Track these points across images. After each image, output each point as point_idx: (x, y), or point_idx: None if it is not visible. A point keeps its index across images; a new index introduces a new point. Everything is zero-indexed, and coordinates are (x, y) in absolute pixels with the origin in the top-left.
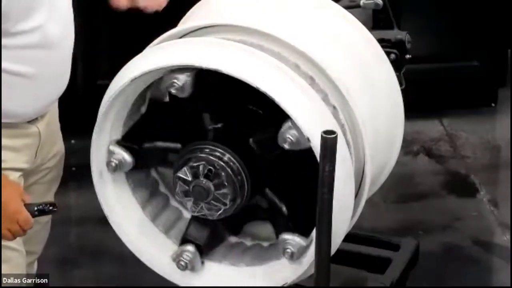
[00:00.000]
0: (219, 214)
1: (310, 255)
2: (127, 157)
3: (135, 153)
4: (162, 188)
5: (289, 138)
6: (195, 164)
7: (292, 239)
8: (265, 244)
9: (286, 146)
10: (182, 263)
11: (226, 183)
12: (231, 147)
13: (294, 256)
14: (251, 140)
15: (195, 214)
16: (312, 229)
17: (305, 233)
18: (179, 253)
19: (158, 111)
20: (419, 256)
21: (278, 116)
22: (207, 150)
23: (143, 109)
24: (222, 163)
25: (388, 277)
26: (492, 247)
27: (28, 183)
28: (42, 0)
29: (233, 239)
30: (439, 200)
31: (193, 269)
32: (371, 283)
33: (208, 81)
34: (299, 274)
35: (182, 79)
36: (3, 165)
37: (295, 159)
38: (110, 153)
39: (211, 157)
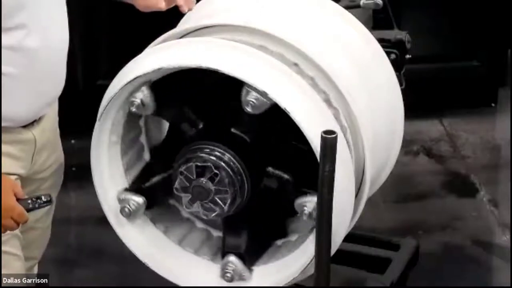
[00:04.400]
0: (216, 214)
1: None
2: (138, 199)
3: (145, 193)
4: (184, 214)
5: (251, 101)
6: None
7: (307, 200)
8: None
9: (250, 110)
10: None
11: (225, 182)
12: (231, 147)
13: (312, 214)
14: (232, 129)
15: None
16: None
17: (314, 190)
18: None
19: (161, 153)
20: (419, 256)
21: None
22: (207, 150)
23: (146, 157)
24: (222, 163)
25: (388, 277)
26: (492, 247)
27: (27, 190)
28: (23, 1)
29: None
30: (439, 200)
31: (241, 278)
32: (371, 283)
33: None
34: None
35: (139, 96)
36: None
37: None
38: (120, 201)
39: (212, 157)
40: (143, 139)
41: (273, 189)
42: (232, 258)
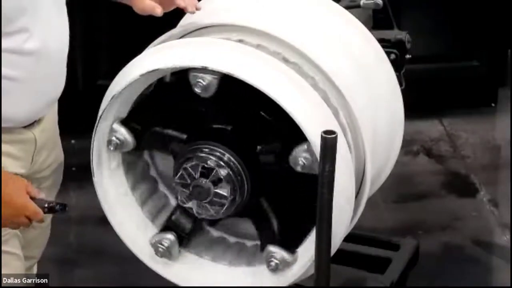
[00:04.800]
0: (221, 213)
1: (292, 272)
2: (128, 137)
3: (137, 134)
4: (152, 172)
5: (301, 161)
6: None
7: (279, 253)
8: (249, 243)
9: (298, 169)
10: (161, 249)
11: (225, 182)
12: (236, 150)
13: (278, 269)
14: (259, 147)
15: (203, 216)
16: (299, 246)
17: (291, 249)
18: (159, 240)
19: (165, 95)
20: (419, 256)
21: (291, 130)
22: (207, 150)
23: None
24: (222, 163)
25: (388, 277)
26: (492, 247)
27: None
28: (24, 5)
29: (215, 233)
30: (439, 200)
31: (169, 256)
32: (371, 283)
33: (229, 83)
34: (280, 285)
35: (208, 79)
36: None
37: (297, 178)
38: (112, 130)
39: (211, 157)
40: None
41: (271, 163)
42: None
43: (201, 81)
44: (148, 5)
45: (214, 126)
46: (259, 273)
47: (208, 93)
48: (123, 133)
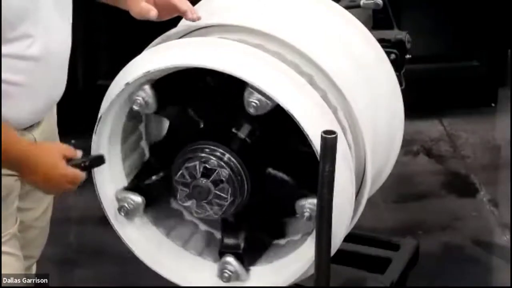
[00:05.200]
0: (222, 212)
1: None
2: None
3: (143, 191)
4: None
5: (253, 102)
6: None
7: (308, 202)
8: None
9: (252, 111)
10: (226, 275)
11: (225, 183)
12: (232, 148)
13: (312, 216)
14: (233, 129)
15: (201, 216)
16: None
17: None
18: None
19: (160, 151)
20: (419, 256)
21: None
22: (208, 150)
23: (145, 157)
24: (222, 163)
25: (388, 277)
26: (492, 247)
27: (25, 189)
28: (27, 11)
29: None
30: (439, 200)
31: (238, 278)
32: (371, 283)
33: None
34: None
35: (142, 95)
36: None
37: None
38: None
39: (211, 157)
40: (143, 144)
41: (274, 190)
42: (229, 258)
43: (138, 98)
44: (143, 8)
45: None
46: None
47: (150, 109)
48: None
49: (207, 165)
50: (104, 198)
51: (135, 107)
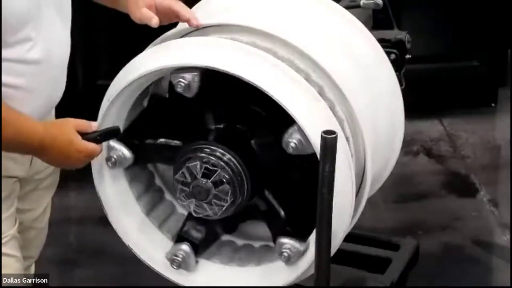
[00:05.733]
0: (220, 214)
1: (306, 259)
2: (126, 152)
3: (135, 148)
4: (157, 181)
5: (293, 142)
6: (193, 164)
7: (290, 243)
8: (257, 245)
9: (290, 151)
10: (176, 261)
11: (226, 183)
12: (233, 148)
13: (291, 260)
14: (253, 141)
15: (200, 215)
16: (310, 234)
17: (302, 238)
18: (174, 252)
19: (159, 107)
20: (419, 256)
21: (282, 119)
22: (208, 150)
23: (145, 103)
24: (222, 163)
25: (388, 277)
26: (492, 247)
27: (24, 190)
28: (29, 15)
29: (224, 237)
30: (439, 200)
31: (186, 267)
32: (371, 283)
33: (214, 81)
34: (294, 277)
35: (188, 78)
36: None
37: (297, 163)
38: (110, 148)
39: (212, 157)
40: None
41: (261, 211)
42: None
43: (182, 80)
44: (144, 15)
45: (210, 126)
46: (270, 271)
47: (191, 92)
48: (121, 149)
49: (208, 166)
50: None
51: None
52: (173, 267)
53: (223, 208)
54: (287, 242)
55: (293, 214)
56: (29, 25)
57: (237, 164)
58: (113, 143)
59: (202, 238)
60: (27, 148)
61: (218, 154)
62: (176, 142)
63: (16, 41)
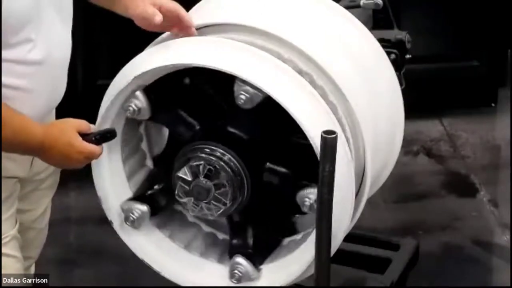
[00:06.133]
0: (220, 213)
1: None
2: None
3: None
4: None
5: (242, 95)
6: (197, 164)
7: (310, 192)
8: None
9: (241, 103)
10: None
11: (226, 187)
12: (223, 142)
13: (240, 282)
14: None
15: (197, 214)
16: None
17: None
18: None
19: (163, 161)
20: (419, 256)
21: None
22: (207, 150)
23: (149, 164)
24: (226, 166)
25: (388, 277)
26: (492, 247)
27: (24, 191)
28: (30, 16)
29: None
30: (439, 200)
31: (249, 279)
32: (371, 283)
33: (199, 79)
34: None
35: (136, 103)
36: None
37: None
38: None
39: (218, 160)
40: (144, 146)
41: (274, 184)
42: (239, 259)
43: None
44: (148, 11)
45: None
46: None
47: (145, 115)
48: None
49: (210, 167)
50: (105, 205)
51: (128, 115)
52: (233, 282)
53: (221, 210)
54: (307, 192)
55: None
56: (29, 25)
57: (236, 163)
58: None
59: (253, 247)
60: (26, 149)
61: (219, 154)
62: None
63: (17, 42)
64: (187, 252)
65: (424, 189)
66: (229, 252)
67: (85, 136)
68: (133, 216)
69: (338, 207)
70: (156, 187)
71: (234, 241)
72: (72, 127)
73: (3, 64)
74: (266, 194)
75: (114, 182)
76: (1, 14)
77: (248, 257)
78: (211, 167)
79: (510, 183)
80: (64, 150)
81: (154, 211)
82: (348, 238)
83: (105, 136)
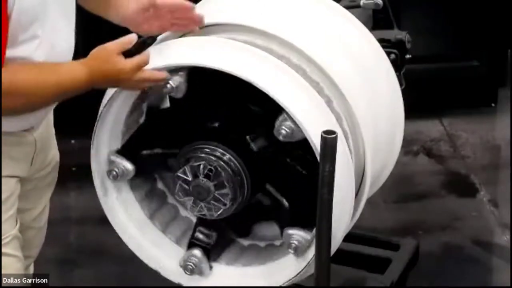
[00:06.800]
0: (219, 213)
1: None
2: (128, 165)
3: (135, 160)
4: (160, 186)
5: (283, 129)
6: (195, 164)
7: (297, 234)
8: (262, 244)
9: (281, 138)
10: (190, 267)
11: (226, 183)
12: (229, 146)
13: (299, 250)
14: (248, 137)
15: (196, 214)
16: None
17: (308, 227)
18: (186, 258)
19: (156, 119)
20: (419, 256)
21: (274, 111)
22: (207, 150)
23: (142, 119)
24: (222, 163)
25: (388, 277)
26: (492, 247)
27: (24, 189)
28: (36, 13)
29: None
30: (439, 200)
31: (200, 272)
32: (371, 283)
33: (203, 79)
34: (302, 269)
35: (176, 80)
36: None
37: (293, 153)
38: (111, 162)
39: (211, 157)
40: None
41: (265, 206)
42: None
43: (170, 82)
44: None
45: (209, 125)
46: (276, 268)
47: (179, 93)
48: (121, 163)
49: (212, 168)
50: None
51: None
52: (186, 273)
53: (220, 211)
54: (294, 233)
55: (297, 205)
56: (37, 22)
57: (237, 164)
58: (113, 157)
59: (214, 243)
60: (78, 91)
61: (219, 155)
62: (175, 150)
63: (25, 39)
64: (151, 224)
65: (424, 189)
66: (189, 242)
67: (127, 53)
68: (117, 172)
69: (338, 207)
70: (145, 151)
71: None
72: (112, 53)
73: (9, 62)
74: (253, 208)
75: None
76: (13, 12)
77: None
78: (211, 168)
79: (510, 183)
80: (117, 77)
81: (138, 173)
82: (348, 238)
83: (145, 44)
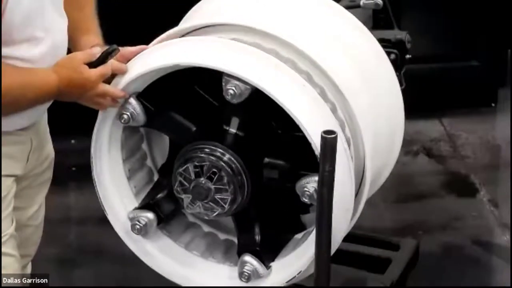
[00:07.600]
0: (217, 214)
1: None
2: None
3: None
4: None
5: (231, 89)
6: (201, 164)
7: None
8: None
9: (230, 98)
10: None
11: (227, 191)
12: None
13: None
14: (266, 160)
15: (192, 212)
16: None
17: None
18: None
19: (168, 173)
20: (419, 256)
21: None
22: (207, 150)
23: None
24: (222, 163)
25: (388, 277)
26: (492, 247)
27: (19, 187)
28: (35, 15)
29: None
30: (439, 200)
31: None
32: (371, 283)
33: (203, 79)
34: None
35: (132, 105)
36: None
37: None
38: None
39: (212, 157)
40: (149, 163)
41: (274, 179)
42: (247, 257)
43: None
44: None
45: (226, 128)
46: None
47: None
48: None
49: (216, 170)
50: (114, 219)
51: (122, 122)
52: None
53: (217, 212)
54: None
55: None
56: (34, 23)
57: (236, 162)
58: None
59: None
60: (46, 99)
61: (219, 154)
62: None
63: (22, 40)
64: (188, 252)
65: (424, 189)
66: (237, 251)
67: (91, 64)
68: (140, 224)
69: (338, 207)
70: (160, 195)
71: (242, 240)
72: (80, 62)
73: (8, 61)
74: (268, 191)
75: (121, 197)
76: (6, 13)
77: (256, 255)
78: (215, 170)
79: (510, 183)
80: (83, 86)
81: (161, 219)
82: (348, 238)
83: (108, 54)
